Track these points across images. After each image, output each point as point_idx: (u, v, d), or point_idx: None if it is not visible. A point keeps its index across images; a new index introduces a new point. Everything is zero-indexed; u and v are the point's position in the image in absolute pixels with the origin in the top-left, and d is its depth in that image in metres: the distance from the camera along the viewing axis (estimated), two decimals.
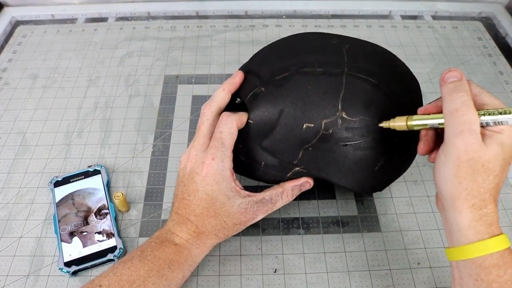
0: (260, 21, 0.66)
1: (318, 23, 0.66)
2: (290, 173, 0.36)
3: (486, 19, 0.68)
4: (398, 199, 0.44)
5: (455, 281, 0.30)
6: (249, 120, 0.35)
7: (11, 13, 0.67)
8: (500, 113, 0.27)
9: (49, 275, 0.38)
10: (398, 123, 0.32)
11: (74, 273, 0.38)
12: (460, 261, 0.28)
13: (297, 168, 0.35)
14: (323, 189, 0.45)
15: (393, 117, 0.33)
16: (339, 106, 0.33)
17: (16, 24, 0.66)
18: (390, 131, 0.34)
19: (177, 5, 0.68)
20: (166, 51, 0.60)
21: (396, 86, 0.35)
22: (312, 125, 0.33)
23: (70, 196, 0.43)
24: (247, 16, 0.68)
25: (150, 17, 0.67)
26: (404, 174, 0.46)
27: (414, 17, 0.68)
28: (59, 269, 0.38)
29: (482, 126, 0.27)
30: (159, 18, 0.67)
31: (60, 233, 0.40)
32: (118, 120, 0.51)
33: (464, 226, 0.28)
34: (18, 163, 0.47)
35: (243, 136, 0.36)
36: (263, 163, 0.36)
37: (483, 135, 0.27)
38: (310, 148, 0.34)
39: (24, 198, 0.44)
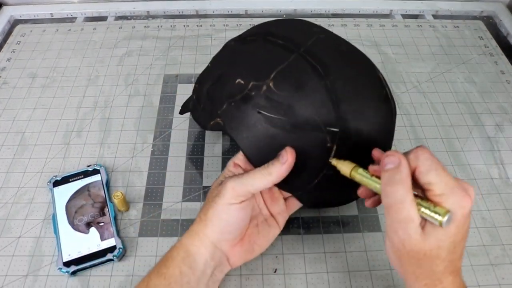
0: (260, 20, 0.65)
1: (318, 22, 0.65)
2: (212, 122, 0.36)
3: (487, 18, 0.68)
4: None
5: None
6: (209, 64, 0.40)
7: (10, 12, 0.67)
8: (433, 211, 0.25)
9: (48, 275, 0.38)
10: (344, 167, 0.31)
11: (73, 273, 0.38)
12: None
13: (218, 119, 0.35)
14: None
15: (322, 110, 0.32)
16: (272, 75, 0.33)
17: (15, 23, 0.66)
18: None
19: (176, 4, 0.68)
20: (166, 50, 0.60)
21: (344, 90, 0.33)
22: (243, 83, 0.34)
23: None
24: (247, 15, 0.68)
25: (149, 16, 0.67)
26: None
27: (415, 16, 0.68)
28: (58, 269, 0.38)
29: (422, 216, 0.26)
30: (159, 17, 0.67)
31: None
32: (117, 120, 0.51)
33: None
34: (17, 163, 0.47)
35: (203, 78, 0.40)
36: (201, 105, 0.38)
37: (424, 224, 0.26)
38: (233, 103, 0.34)
39: (23, 197, 0.44)
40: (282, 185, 0.33)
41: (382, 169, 0.27)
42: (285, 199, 0.38)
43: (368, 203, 0.32)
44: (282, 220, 0.37)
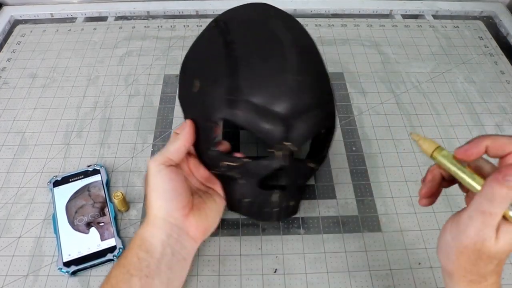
0: None
1: (318, 22, 0.66)
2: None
3: (487, 18, 0.68)
4: (398, 199, 0.44)
5: None
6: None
7: (10, 12, 0.67)
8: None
9: (48, 275, 0.38)
10: (426, 144, 0.28)
11: (74, 273, 0.38)
12: None
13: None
14: (323, 189, 0.44)
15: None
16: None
17: (15, 23, 0.66)
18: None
19: (176, 4, 0.68)
20: (166, 50, 0.60)
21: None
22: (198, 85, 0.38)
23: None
24: None
25: (149, 16, 0.67)
26: (405, 173, 0.46)
27: (415, 16, 0.68)
28: (58, 269, 0.38)
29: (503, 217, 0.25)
30: (159, 17, 0.67)
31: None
32: (117, 120, 0.51)
33: None
34: (17, 163, 0.47)
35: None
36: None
37: (498, 225, 0.25)
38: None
39: (23, 197, 0.44)
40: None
41: (501, 180, 0.24)
42: None
43: (423, 201, 0.30)
44: (220, 190, 0.39)
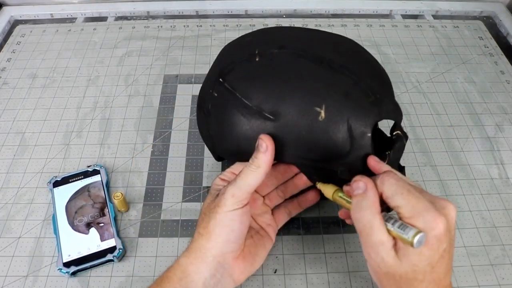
0: (260, 20, 0.66)
1: (318, 22, 0.65)
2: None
3: (487, 18, 0.68)
4: None
5: None
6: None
7: (9, 12, 0.67)
8: (404, 232, 0.26)
9: (48, 276, 0.38)
10: (327, 190, 0.33)
11: (73, 273, 0.38)
12: None
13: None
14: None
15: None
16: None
17: (15, 24, 0.66)
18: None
19: (176, 4, 0.68)
20: (166, 50, 0.60)
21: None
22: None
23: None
24: (247, 15, 0.68)
25: (149, 16, 0.67)
26: (405, 174, 0.46)
27: (415, 17, 0.68)
28: (58, 269, 0.38)
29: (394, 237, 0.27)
30: (159, 18, 0.67)
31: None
32: (117, 120, 0.51)
33: None
34: (17, 163, 0.47)
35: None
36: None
37: (398, 246, 0.26)
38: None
39: (23, 198, 0.44)
40: (290, 161, 0.34)
41: (352, 194, 0.28)
42: (273, 212, 0.38)
43: (349, 221, 0.33)
44: (272, 232, 0.37)
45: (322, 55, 0.33)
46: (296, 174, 0.38)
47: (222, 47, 0.40)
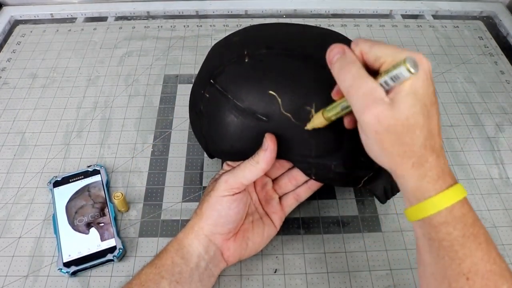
0: (260, 20, 0.66)
1: (318, 22, 0.66)
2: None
3: (487, 18, 0.68)
4: (398, 199, 0.44)
5: (416, 242, 0.29)
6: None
7: (10, 13, 0.67)
8: (394, 67, 0.24)
9: (48, 276, 0.38)
10: (316, 119, 0.31)
11: (74, 273, 0.38)
12: (415, 221, 0.27)
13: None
14: (323, 189, 0.44)
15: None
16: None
17: (15, 24, 0.66)
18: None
19: (176, 4, 0.68)
20: (166, 50, 0.60)
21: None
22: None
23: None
24: (247, 15, 0.68)
25: (149, 16, 0.67)
26: None
27: (415, 17, 0.68)
28: (59, 269, 0.38)
29: (387, 89, 0.25)
30: (159, 18, 0.67)
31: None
32: (117, 120, 0.51)
33: (412, 187, 0.26)
34: (17, 163, 0.47)
35: None
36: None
37: (391, 95, 0.25)
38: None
39: (23, 198, 0.44)
40: (285, 158, 0.35)
41: (330, 64, 0.27)
42: (280, 199, 0.39)
43: (345, 122, 0.31)
44: (278, 220, 0.38)
45: (310, 53, 0.33)
46: None
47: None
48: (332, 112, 0.30)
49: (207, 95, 0.36)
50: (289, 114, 0.32)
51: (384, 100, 0.25)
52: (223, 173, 0.35)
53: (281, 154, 0.34)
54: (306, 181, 0.39)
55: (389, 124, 0.25)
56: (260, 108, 0.33)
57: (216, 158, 0.46)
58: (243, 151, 0.34)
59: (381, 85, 0.25)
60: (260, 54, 0.34)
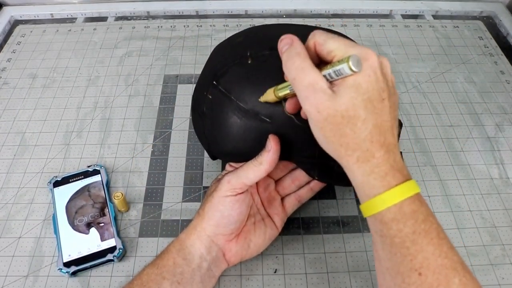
0: (260, 20, 0.66)
1: (318, 22, 0.66)
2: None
3: (487, 18, 0.68)
4: None
5: (372, 238, 0.29)
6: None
7: (10, 13, 0.67)
8: (339, 62, 0.25)
9: (48, 276, 0.38)
10: (268, 95, 0.32)
11: (74, 273, 0.38)
12: (368, 217, 0.27)
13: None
14: (323, 189, 0.44)
15: None
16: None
17: (15, 24, 0.66)
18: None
19: (176, 4, 0.68)
20: (166, 50, 0.60)
21: None
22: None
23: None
24: (247, 15, 0.68)
25: (149, 16, 0.67)
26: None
27: (415, 17, 0.68)
28: (59, 269, 0.38)
29: (331, 80, 0.26)
30: (159, 18, 0.67)
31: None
32: (117, 120, 0.51)
33: (359, 183, 0.27)
34: (17, 163, 0.47)
35: None
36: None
37: (335, 88, 0.25)
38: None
39: (23, 198, 0.44)
40: (288, 159, 0.35)
41: (281, 54, 0.28)
42: (282, 200, 0.39)
43: (302, 113, 0.31)
44: (279, 222, 0.38)
45: None
46: None
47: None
48: (282, 92, 0.30)
49: (210, 96, 0.36)
50: (292, 115, 0.32)
51: (325, 91, 0.25)
52: (226, 173, 0.35)
53: (284, 155, 0.34)
54: (308, 182, 0.39)
55: (328, 113, 0.25)
56: (263, 109, 0.33)
57: (215, 159, 0.46)
58: (246, 152, 0.34)
59: (325, 77, 0.26)
60: (263, 55, 0.34)
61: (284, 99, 0.31)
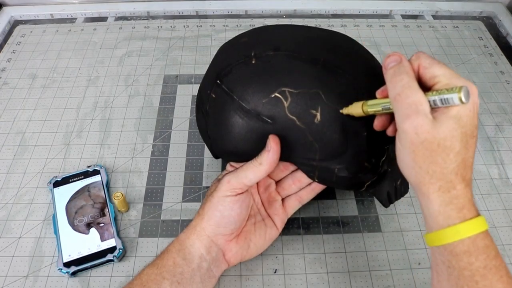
0: (260, 20, 0.66)
1: (318, 22, 0.66)
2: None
3: (487, 18, 0.68)
4: (399, 200, 0.44)
5: (433, 267, 0.29)
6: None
7: (10, 13, 0.67)
8: (448, 91, 0.25)
9: (48, 276, 0.38)
10: (354, 108, 0.31)
11: (74, 273, 0.38)
12: (434, 247, 0.27)
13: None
14: (323, 190, 0.44)
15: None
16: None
17: (15, 24, 0.66)
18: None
19: (176, 4, 0.68)
20: (166, 50, 0.60)
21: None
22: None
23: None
24: (247, 15, 0.68)
25: (149, 16, 0.67)
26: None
27: (414, 17, 0.68)
28: (58, 269, 0.38)
29: (433, 107, 0.26)
30: (159, 18, 0.67)
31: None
32: (117, 120, 0.51)
33: (434, 211, 0.26)
34: (17, 163, 0.47)
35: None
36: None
37: (435, 114, 0.26)
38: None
39: (23, 198, 0.44)
40: (288, 160, 0.35)
41: (385, 69, 0.28)
42: (283, 200, 0.39)
43: (389, 130, 0.31)
44: (280, 223, 0.38)
45: (316, 56, 0.33)
46: None
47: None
48: (372, 108, 0.30)
49: (213, 95, 0.36)
50: (294, 117, 0.32)
51: (427, 115, 0.25)
52: (226, 173, 0.35)
53: (285, 156, 0.34)
54: (310, 184, 0.39)
55: (426, 138, 0.25)
56: (265, 110, 0.33)
57: (217, 159, 0.46)
58: (247, 152, 0.34)
59: (429, 101, 0.26)
60: (267, 56, 0.34)
61: (371, 115, 0.31)
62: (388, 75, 0.27)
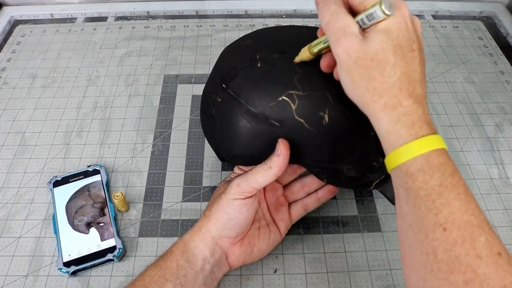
0: (260, 20, 0.66)
1: (318, 22, 0.65)
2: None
3: (487, 18, 0.68)
4: None
5: (395, 193, 0.27)
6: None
7: (10, 13, 0.67)
8: (372, 7, 0.25)
9: (48, 275, 0.38)
10: (304, 54, 0.32)
11: (74, 273, 0.38)
12: (392, 171, 0.26)
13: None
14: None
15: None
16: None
17: (15, 24, 0.66)
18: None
19: (176, 4, 0.68)
20: (166, 50, 0.60)
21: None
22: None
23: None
24: (247, 15, 0.68)
25: (149, 16, 0.67)
26: None
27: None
28: (58, 269, 0.38)
29: (363, 27, 0.26)
30: (159, 18, 0.67)
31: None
32: (117, 120, 0.51)
33: (385, 131, 0.26)
34: (17, 163, 0.47)
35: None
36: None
37: (366, 34, 0.26)
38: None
39: (23, 198, 0.44)
40: (297, 162, 0.35)
41: (317, 4, 0.28)
42: (289, 206, 0.39)
43: (335, 73, 0.31)
44: (284, 228, 0.38)
45: None
46: None
47: (222, 47, 0.40)
48: (317, 47, 0.30)
49: (219, 99, 0.35)
50: (302, 120, 0.32)
51: (356, 35, 0.26)
52: (235, 176, 0.35)
53: (294, 159, 0.34)
54: (316, 191, 0.39)
55: (357, 56, 0.25)
56: (273, 113, 0.33)
57: (217, 159, 0.46)
58: (255, 156, 0.34)
59: (357, 23, 0.26)
60: (273, 59, 0.34)
61: (319, 56, 0.31)
62: (318, 8, 0.28)
